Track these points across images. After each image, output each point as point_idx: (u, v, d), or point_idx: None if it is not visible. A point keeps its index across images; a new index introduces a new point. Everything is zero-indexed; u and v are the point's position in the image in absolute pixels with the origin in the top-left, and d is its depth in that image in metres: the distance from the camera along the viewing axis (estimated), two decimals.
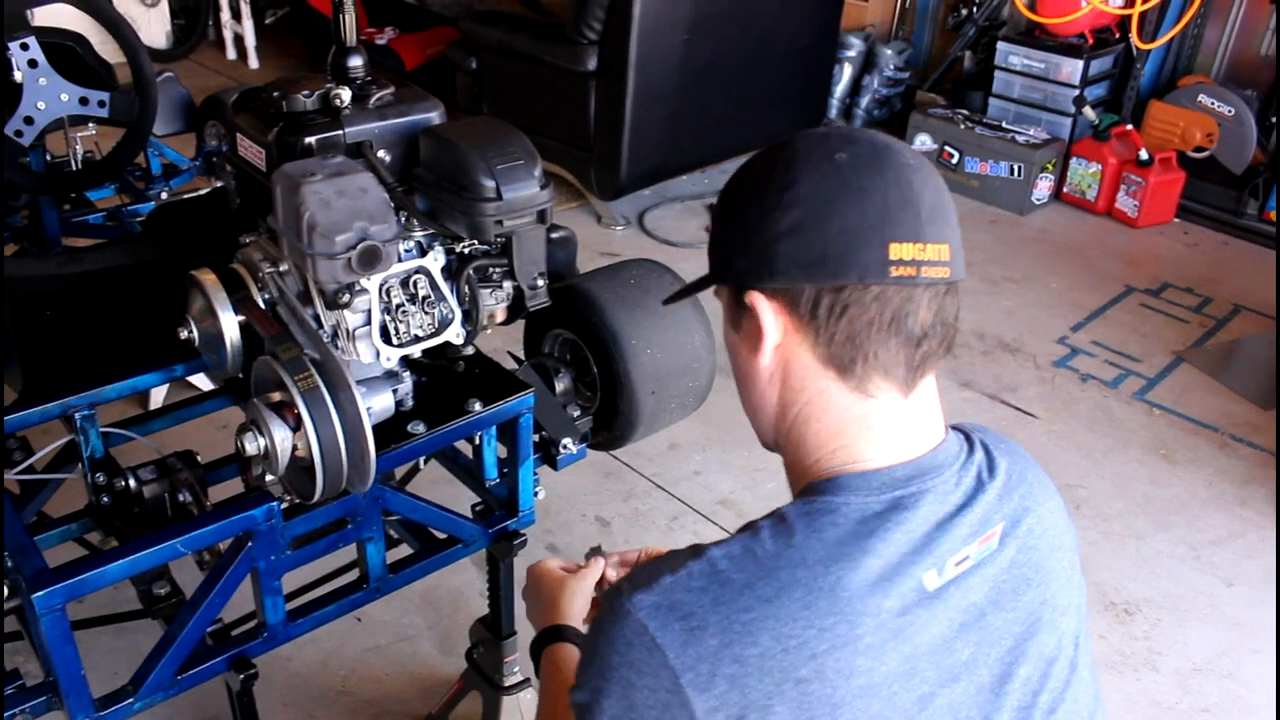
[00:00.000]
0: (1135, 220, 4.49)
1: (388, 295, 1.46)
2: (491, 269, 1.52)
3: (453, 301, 1.51)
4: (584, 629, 1.40)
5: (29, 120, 2.24)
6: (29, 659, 1.52)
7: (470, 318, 1.53)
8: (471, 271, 1.50)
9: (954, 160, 4.71)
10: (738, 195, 1.01)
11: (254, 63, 5.58)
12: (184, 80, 3.05)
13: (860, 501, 0.95)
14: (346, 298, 1.40)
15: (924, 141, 4.80)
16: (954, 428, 1.06)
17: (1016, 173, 4.54)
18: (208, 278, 1.52)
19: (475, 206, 1.41)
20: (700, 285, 1.11)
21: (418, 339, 1.50)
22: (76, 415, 1.68)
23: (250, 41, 5.55)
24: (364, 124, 1.48)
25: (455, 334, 1.51)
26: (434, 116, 1.54)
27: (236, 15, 5.58)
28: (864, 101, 5.37)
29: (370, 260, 1.31)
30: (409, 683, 2.27)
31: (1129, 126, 4.54)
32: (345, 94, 1.48)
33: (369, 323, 1.45)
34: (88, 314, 1.78)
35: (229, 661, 1.57)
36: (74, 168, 2.56)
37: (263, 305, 1.52)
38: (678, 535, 2.73)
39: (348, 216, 1.30)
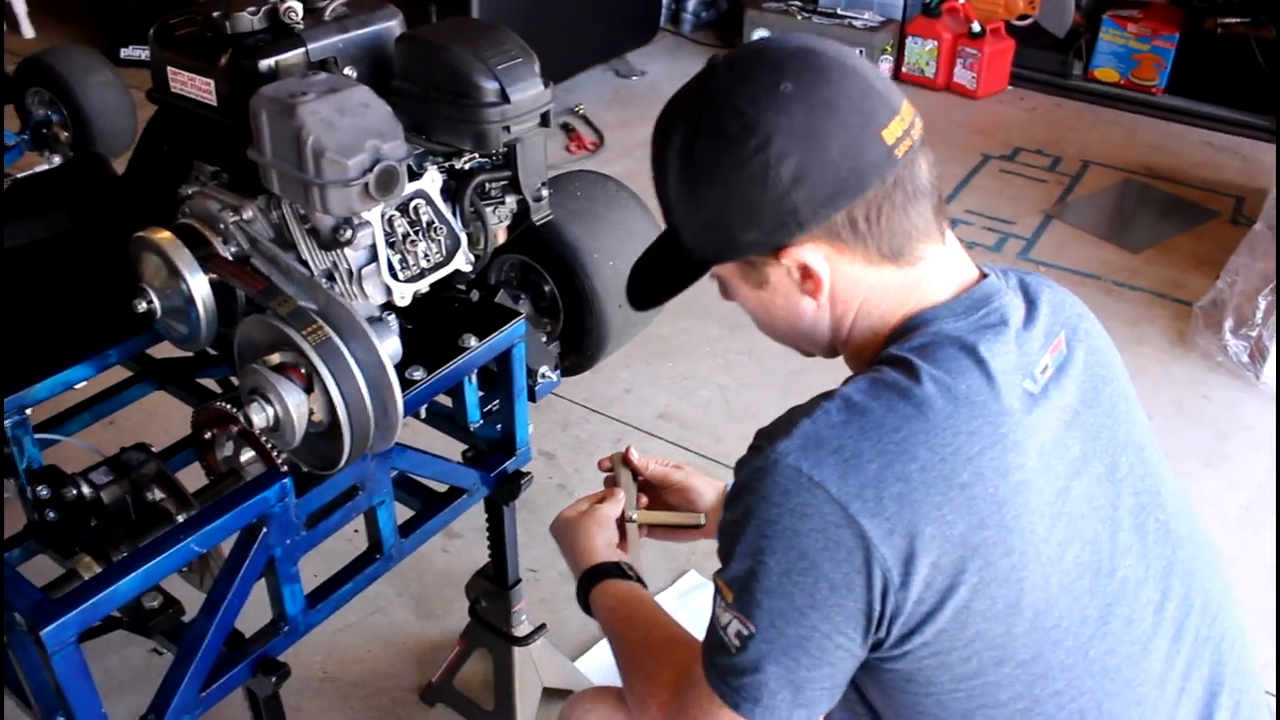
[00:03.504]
0: (974, 92, 4.61)
1: (390, 226, 1.29)
2: (490, 184, 1.37)
3: (455, 225, 1.36)
4: (616, 557, 1.32)
5: None
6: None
7: (475, 240, 1.38)
8: (474, 189, 1.35)
9: None
10: (701, 177, 0.99)
11: (29, 32, 4.99)
12: None
13: (953, 325, 0.99)
14: (348, 233, 1.23)
15: (762, 37, 4.77)
16: None
17: None
18: (162, 236, 1.31)
19: (479, 113, 1.26)
20: (697, 274, 1.07)
21: (423, 272, 1.34)
22: (6, 423, 1.45)
23: (20, 8, 4.95)
24: (326, 39, 1.30)
25: (465, 260, 1.36)
26: (395, 25, 1.37)
27: None
28: (690, 4, 5.30)
29: (389, 183, 1.15)
30: (395, 655, 2.12)
31: (959, 1, 4.63)
32: (298, 7, 1.29)
33: (374, 259, 1.28)
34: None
35: (253, 666, 1.40)
36: None
37: (231, 259, 1.33)
38: None
39: (357, 136, 1.13)
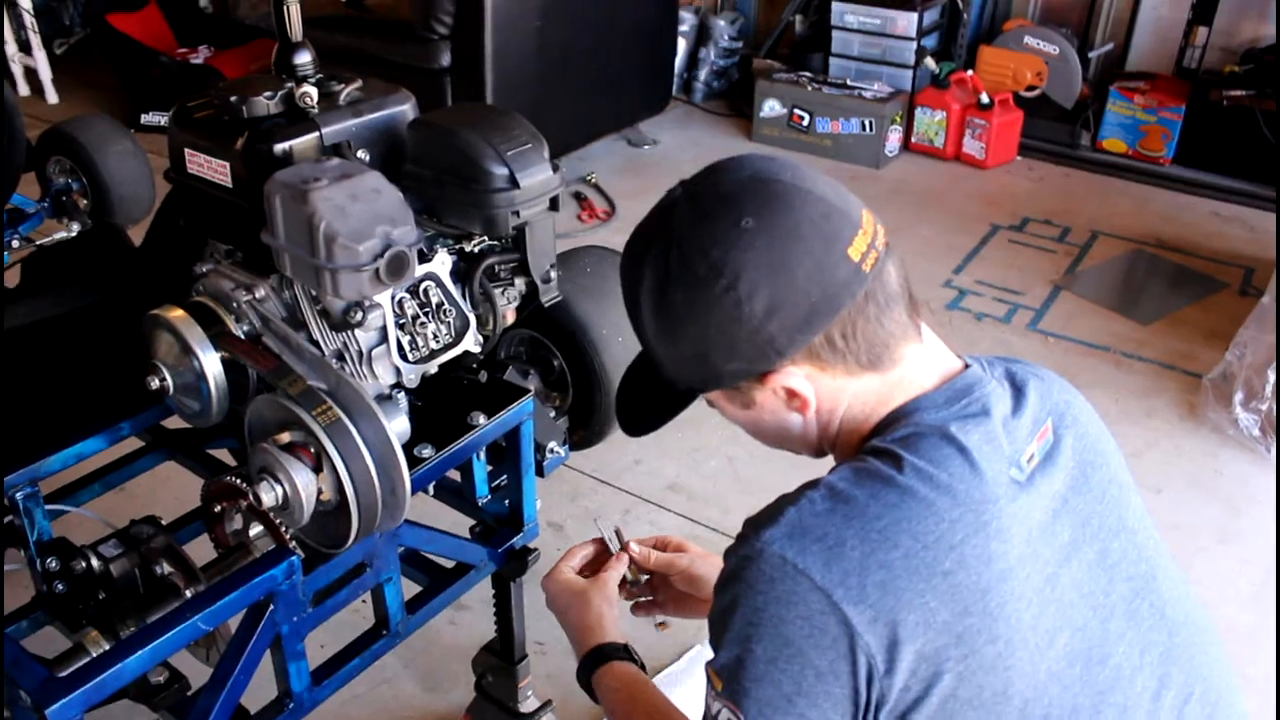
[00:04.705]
0: (983, 162, 4.65)
1: (400, 308, 1.31)
2: (499, 266, 1.40)
3: (465, 306, 1.38)
4: (622, 638, 1.32)
5: None
6: None
7: (484, 321, 1.40)
8: (483, 271, 1.37)
9: (805, 123, 4.76)
10: (675, 319, 1.01)
11: (53, 97, 5.10)
12: None
13: (934, 416, 1.00)
14: (359, 315, 1.25)
15: (773, 107, 4.84)
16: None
17: (868, 128, 4.63)
18: (175, 314, 1.33)
19: (489, 198, 1.29)
20: (685, 402, 1.12)
21: (433, 353, 1.36)
22: (18, 495, 1.46)
23: (45, 75, 5.07)
24: (340, 123, 1.33)
25: (474, 341, 1.38)
26: (408, 109, 1.40)
27: (25, 48, 5.09)
28: (702, 74, 5.37)
29: (399, 268, 1.17)
30: None
31: (968, 72, 4.70)
32: (313, 92, 1.32)
33: (384, 341, 1.30)
34: (13, 374, 1.55)
35: None
36: None
37: (243, 338, 1.35)
38: (635, 528, 2.64)
39: (369, 221, 1.16)
